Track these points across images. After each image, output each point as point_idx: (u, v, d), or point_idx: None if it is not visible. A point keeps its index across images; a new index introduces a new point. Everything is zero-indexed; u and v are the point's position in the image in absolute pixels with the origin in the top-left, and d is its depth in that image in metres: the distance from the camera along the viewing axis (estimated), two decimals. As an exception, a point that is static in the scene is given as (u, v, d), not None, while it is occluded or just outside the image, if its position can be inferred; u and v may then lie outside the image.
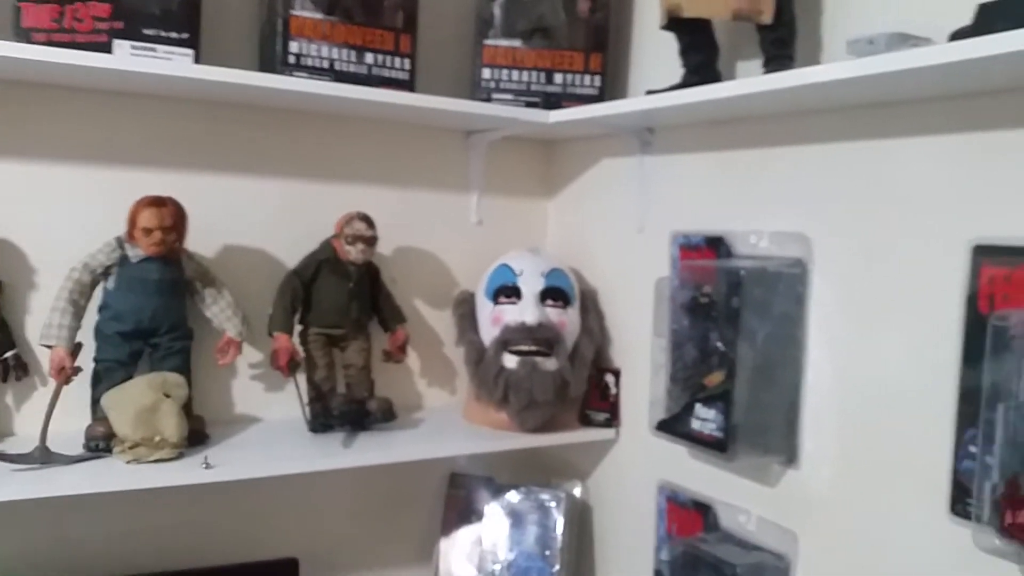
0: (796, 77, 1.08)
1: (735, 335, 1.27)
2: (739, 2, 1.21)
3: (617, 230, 1.70)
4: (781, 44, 1.22)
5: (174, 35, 1.33)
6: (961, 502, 1.05)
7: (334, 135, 1.66)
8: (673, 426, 1.37)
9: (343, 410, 1.51)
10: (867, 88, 1.08)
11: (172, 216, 1.38)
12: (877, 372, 1.19)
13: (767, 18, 1.21)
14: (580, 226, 1.83)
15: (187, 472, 1.30)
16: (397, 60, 1.52)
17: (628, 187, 1.67)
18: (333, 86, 1.41)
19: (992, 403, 0.95)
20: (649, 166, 1.62)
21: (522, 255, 1.68)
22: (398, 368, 1.71)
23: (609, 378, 1.68)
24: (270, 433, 1.53)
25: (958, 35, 0.91)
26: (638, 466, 1.63)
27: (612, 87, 1.68)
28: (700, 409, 1.31)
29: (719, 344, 1.32)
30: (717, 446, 1.27)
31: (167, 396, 1.36)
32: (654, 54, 1.65)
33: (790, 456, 1.30)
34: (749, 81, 1.16)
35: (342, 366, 1.59)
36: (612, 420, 1.67)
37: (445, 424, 1.65)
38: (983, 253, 1.04)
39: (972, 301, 1.05)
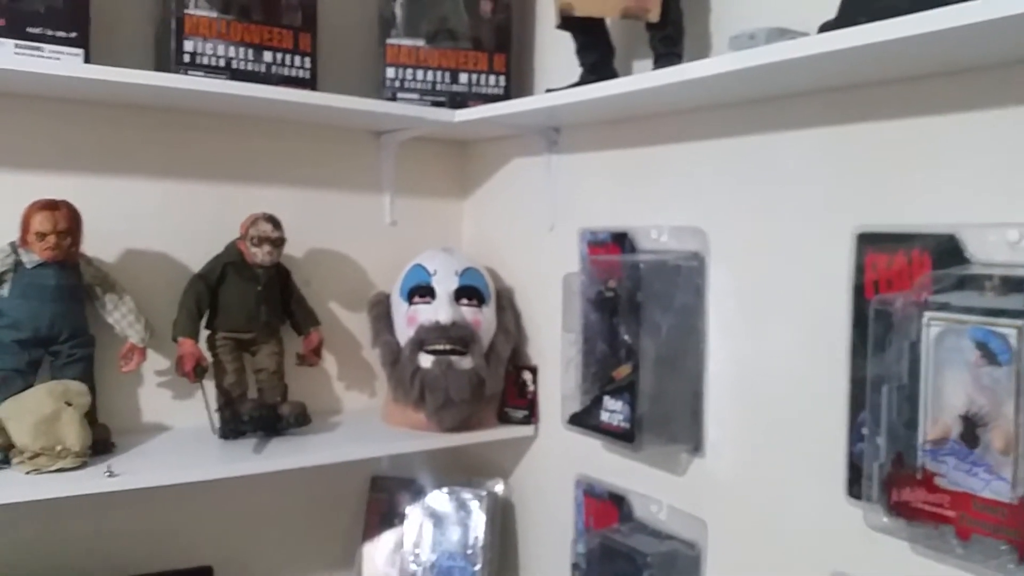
0: (681, 72, 1.11)
1: (639, 328, 1.28)
2: (627, 1, 1.23)
3: (529, 229, 1.71)
4: (669, 42, 1.25)
5: (61, 34, 1.29)
6: (856, 483, 1.08)
7: (239, 136, 1.63)
8: (584, 419, 1.38)
9: (253, 415, 1.48)
10: (749, 82, 1.11)
11: (67, 219, 1.34)
12: (773, 361, 1.22)
13: (654, 16, 1.23)
14: (494, 225, 1.84)
15: (90, 481, 1.26)
16: (297, 59, 1.50)
17: (538, 186, 1.68)
18: (227, 84, 1.38)
19: (877, 386, 0.98)
20: (557, 165, 1.63)
21: (436, 254, 1.68)
22: (314, 372, 1.69)
23: (527, 375, 1.69)
24: (179, 441, 1.49)
25: (825, 28, 0.94)
26: (556, 461, 1.64)
27: (517, 87, 1.69)
28: (608, 401, 1.33)
29: (626, 337, 1.34)
30: (624, 436, 1.29)
31: (68, 404, 1.32)
32: (558, 54, 1.66)
33: (696, 444, 1.33)
34: (638, 77, 1.18)
35: (253, 371, 1.57)
36: (530, 417, 1.68)
37: (363, 427, 1.64)
38: (867, 241, 1.08)
39: (859, 288, 1.08)
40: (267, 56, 1.48)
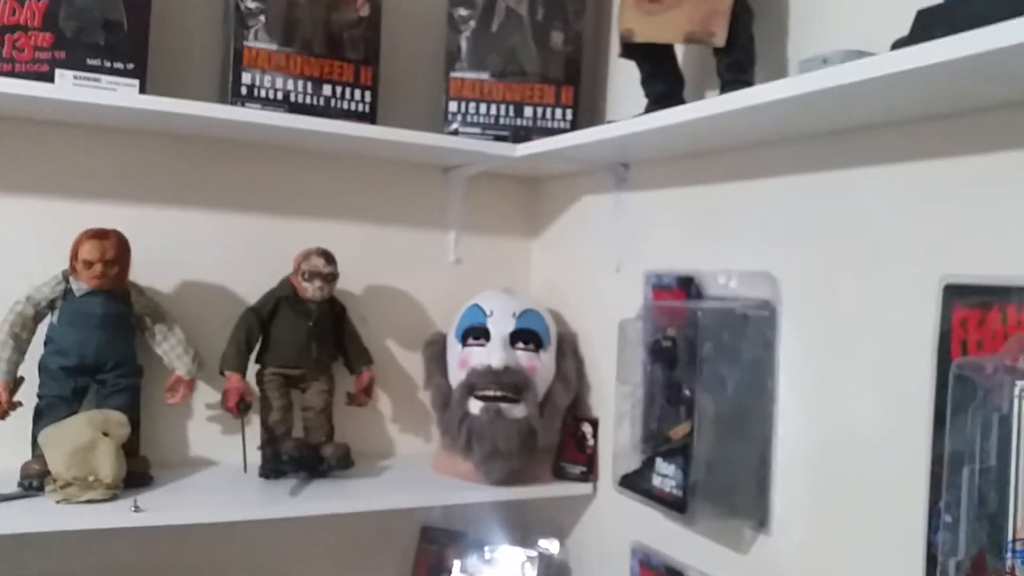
0: (744, 98, 0.99)
1: (693, 382, 1.16)
2: (691, 24, 1.12)
3: (595, 270, 1.61)
4: (737, 68, 1.13)
5: (119, 65, 1.31)
6: (934, 578, 0.91)
7: (300, 169, 1.61)
8: (635, 482, 1.25)
9: (294, 455, 1.43)
10: (822, 109, 0.98)
11: (114, 248, 1.34)
12: (848, 428, 1.06)
13: (720, 40, 1.12)
14: (561, 266, 1.74)
15: (115, 515, 1.24)
16: (357, 92, 1.47)
17: (605, 225, 1.58)
18: (280, 116, 1.36)
19: (958, 466, 0.82)
20: (625, 203, 1.53)
21: (495, 295, 1.60)
22: (367, 413, 1.64)
23: (586, 428, 1.57)
24: (220, 478, 1.46)
25: (898, 45, 0.81)
26: (613, 525, 1.51)
27: (586, 121, 1.60)
28: (661, 464, 1.20)
29: (687, 392, 1.21)
30: (676, 505, 1.16)
31: (106, 435, 1.30)
32: (630, 88, 1.57)
33: (761, 519, 1.18)
34: (701, 104, 1.07)
35: (301, 409, 1.52)
36: (589, 474, 1.56)
37: (411, 473, 1.56)
38: (955, 293, 0.93)
39: (944, 348, 0.93)
40: (326, 89, 1.46)
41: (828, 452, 1.09)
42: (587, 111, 1.62)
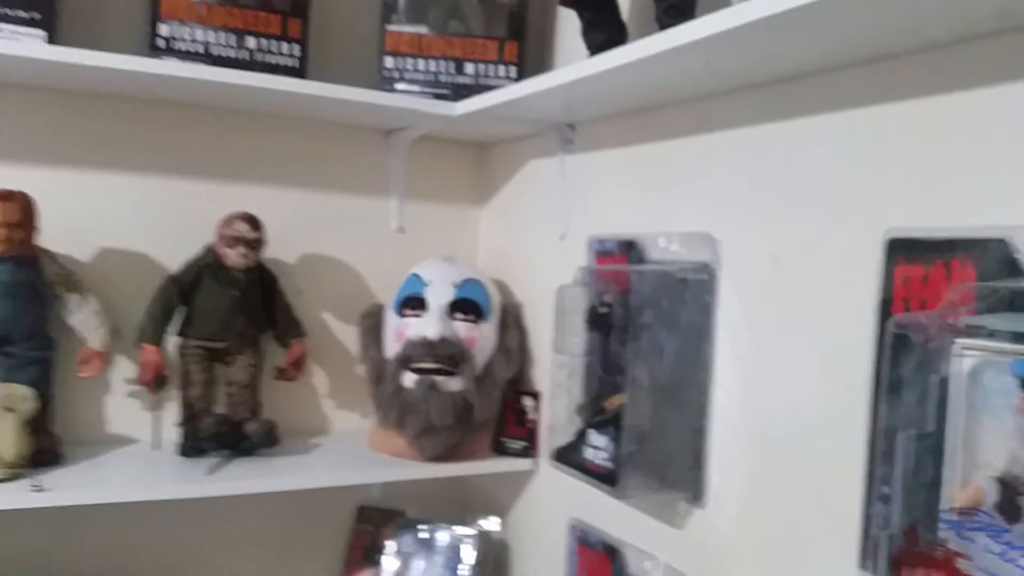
0: (689, 32, 0.90)
1: (628, 349, 1.09)
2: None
3: (540, 237, 1.54)
4: (675, 12, 1.05)
5: (23, 14, 1.22)
6: (870, 555, 0.85)
7: (228, 131, 1.52)
8: (568, 455, 1.19)
9: (212, 432, 1.35)
10: (766, 47, 0.90)
11: (19, 211, 1.25)
12: (788, 396, 1.00)
13: (662, -16, 1.04)
14: (508, 234, 1.67)
15: (13, 495, 1.15)
16: (284, 45, 1.39)
17: (551, 190, 1.50)
18: (199, 69, 1.26)
19: (892, 433, 0.76)
20: (571, 166, 1.45)
21: (435, 264, 1.52)
22: (301, 389, 1.56)
23: (527, 401, 1.51)
24: (136, 456, 1.37)
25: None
26: (552, 501, 1.45)
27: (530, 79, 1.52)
28: (593, 435, 1.13)
29: (621, 360, 1.15)
30: (606, 478, 1.09)
31: (10, 410, 1.22)
32: (576, 43, 1.49)
33: (696, 493, 1.11)
34: (640, 44, 0.98)
35: (224, 383, 1.44)
36: (530, 449, 1.49)
37: (343, 451, 1.49)
38: (899, 248, 0.86)
39: (886, 308, 0.86)
40: (251, 42, 1.37)
41: (766, 422, 1.03)
42: (533, 69, 1.53)
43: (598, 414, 1.15)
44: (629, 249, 1.25)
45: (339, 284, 1.63)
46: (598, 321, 1.17)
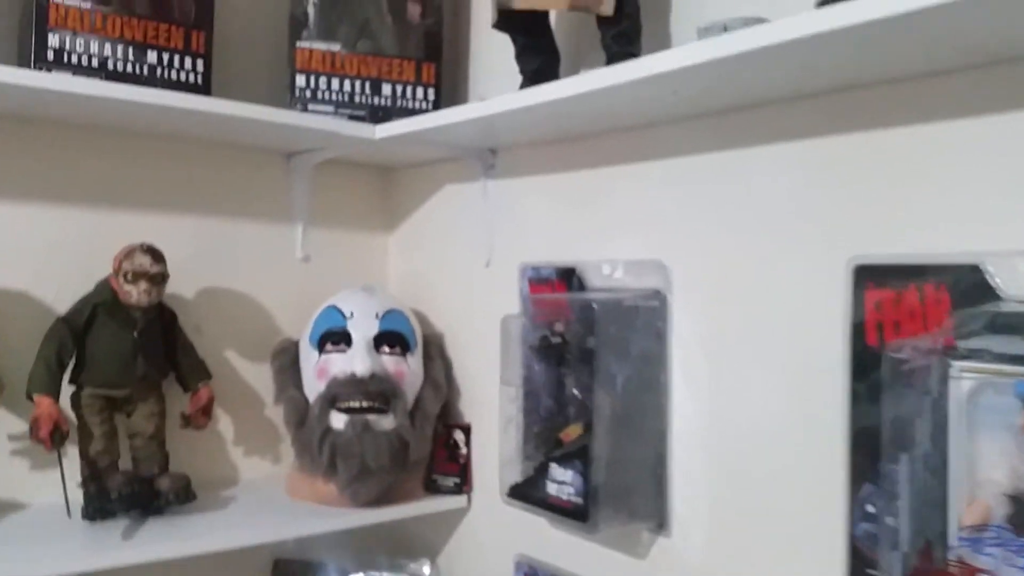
0: (641, 68, 0.90)
1: (591, 379, 1.07)
2: (576, -9, 1.04)
3: (462, 265, 1.49)
4: (624, 40, 1.06)
5: None
6: (860, 573, 0.87)
7: (120, 155, 1.38)
8: (526, 492, 1.15)
9: (124, 492, 1.20)
10: (724, 81, 0.92)
11: None
12: (749, 420, 1.01)
13: (607, 9, 1.04)
14: (423, 262, 1.61)
15: None
16: (188, 60, 1.27)
17: (473, 216, 1.47)
18: (95, 84, 1.13)
19: (894, 455, 0.78)
20: (493, 191, 1.42)
21: (354, 294, 1.44)
22: (205, 435, 1.42)
23: (458, 436, 1.45)
24: (35, 523, 1.21)
25: (824, 3, 0.75)
26: (493, 539, 1.40)
27: (448, 102, 1.48)
28: (556, 470, 1.10)
29: (575, 391, 1.12)
30: (576, 514, 1.06)
31: None
32: (495, 67, 1.47)
33: (660, 521, 1.11)
34: (589, 76, 0.97)
35: (127, 435, 1.30)
36: (463, 485, 1.44)
37: (262, 502, 1.37)
38: (867, 274, 0.89)
39: (858, 331, 0.89)
40: (151, 56, 1.25)
41: (728, 446, 1.04)
42: (449, 91, 1.50)
43: (556, 447, 1.12)
44: (568, 276, 1.23)
45: (242, 319, 1.52)
46: (550, 351, 1.14)
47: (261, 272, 1.53)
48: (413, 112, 1.41)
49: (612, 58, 1.07)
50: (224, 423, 1.48)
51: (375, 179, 1.68)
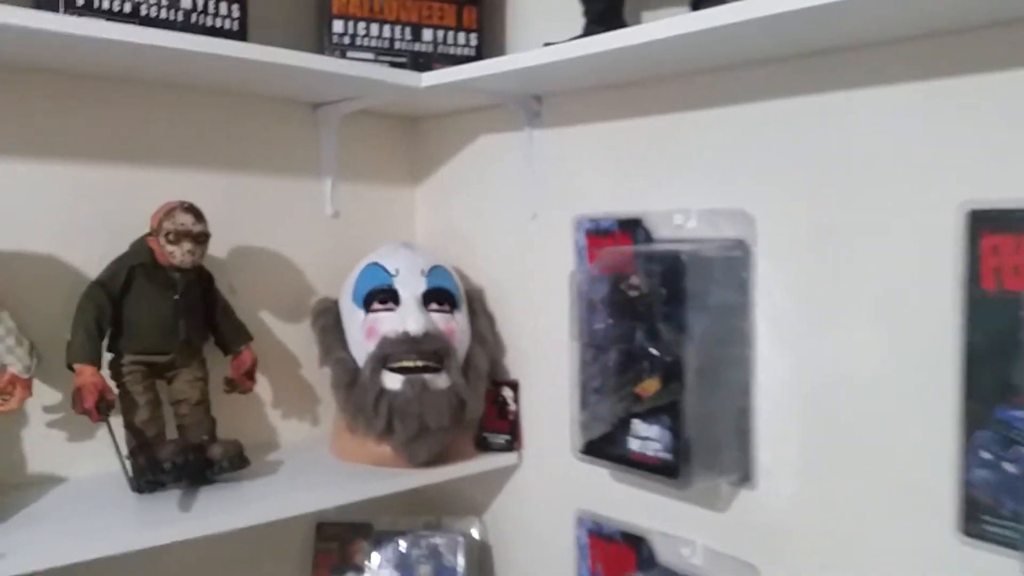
0: (754, 6, 0.86)
1: (676, 333, 1.04)
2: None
3: (504, 218, 1.45)
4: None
5: (-101, -44, 0.94)
6: (975, 519, 0.87)
7: (142, 107, 1.29)
8: (604, 448, 1.12)
9: (177, 461, 1.15)
10: (830, 21, 0.87)
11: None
12: (847, 369, 1.00)
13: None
14: (457, 216, 1.56)
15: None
16: (223, 5, 1.19)
17: (515, 168, 1.41)
18: (132, 30, 1.05)
19: (1009, 399, 0.77)
20: (539, 141, 1.37)
21: (396, 251, 1.38)
22: (244, 399, 1.37)
23: (507, 393, 1.42)
24: (79, 497, 1.15)
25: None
26: (548, 495, 1.38)
27: (489, 47, 1.42)
28: (638, 425, 1.08)
29: (648, 345, 1.10)
30: (664, 470, 1.04)
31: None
32: (535, 9, 1.41)
33: (743, 474, 1.09)
34: (683, 20, 0.93)
35: (171, 403, 1.24)
36: (513, 442, 1.41)
37: (310, 464, 1.33)
38: (983, 220, 0.87)
39: (973, 279, 0.87)
40: (185, 1, 1.16)
41: (821, 397, 1.02)
42: (488, 36, 1.43)
43: (633, 402, 1.09)
44: (632, 227, 1.20)
45: (274, 278, 1.45)
46: (626, 305, 1.11)
47: (291, 229, 1.47)
48: (455, 58, 1.35)
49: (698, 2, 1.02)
50: (262, 385, 1.42)
51: (401, 130, 1.61)
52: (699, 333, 1.06)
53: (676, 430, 1.03)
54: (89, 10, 1.08)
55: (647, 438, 1.07)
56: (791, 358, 1.05)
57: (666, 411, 1.05)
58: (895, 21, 0.87)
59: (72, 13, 1.06)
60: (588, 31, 1.14)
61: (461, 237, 1.54)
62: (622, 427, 1.10)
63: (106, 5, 1.09)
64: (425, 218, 1.63)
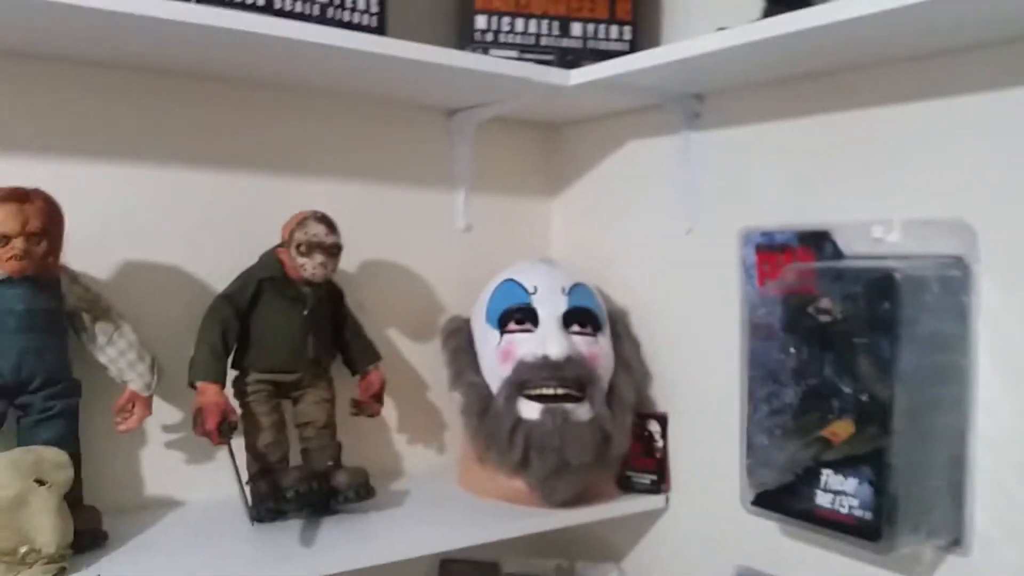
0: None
1: (881, 367, 0.87)
2: None
3: (653, 232, 1.31)
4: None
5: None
6: None
7: (267, 113, 1.22)
8: (784, 502, 0.96)
9: (300, 491, 1.05)
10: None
11: (41, 216, 0.93)
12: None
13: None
14: (597, 230, 1.43)
15: (65, 602, 0.85)
16: (362, 0, 1.10)
17: (668, 176, 1.28)
18: (264, 21, 0.96)
19: None
20: (698, 145, 1.23)
21: (534, 267, 1.27)
22: (369, 423, 1.27)
23: (653, 427, 1.27)
24: (195, 524, 1.08)
25: None
26: (700, 546, 1.22)
27: (643, 42, 1.28)
28: (830, 477, 0.91)
29: (838, 381, 0.93)
30: (863, 532, 0.87)
31: (41, 483, 0.90)
32: (695, 0, 1.27)
33: (954, 537, 0.91)
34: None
35: (295, 424, 1.15)
36: (660, 483, 1.26)
37: (437, 497, 1.22)
38: None
39: None
40: (322, -8, 1.08)
41: (1059, 450, 0.84)
42: (644, 29, 1.30)
43: (823, 448, 0.93)
44: (819, 241, 1.04)
45: (403, 295, 1.36)
46: (814, 333, 0.95)
47: (421, 242, 1.37)
48: (606, 55, 1.22)
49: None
50: (387, 408, 1.31)
51: (539, 137, 1.50)
52: (909, 369, 0.89)
53: (879, 484, 0.86)
54: (220, 3, 1.00)
55: (841, 491, 0.90)
56: (1021, 401, 0.87)
57: (866, 461, 0.88)
58: None
59: (202, 3, 0.99)
60: (770, 11, 0.99)
61: (602, 253, 1.40)
62: (806, 477, 0.94)
63: (239, -2, 1.02)
64: (562, 232, 1.51)
